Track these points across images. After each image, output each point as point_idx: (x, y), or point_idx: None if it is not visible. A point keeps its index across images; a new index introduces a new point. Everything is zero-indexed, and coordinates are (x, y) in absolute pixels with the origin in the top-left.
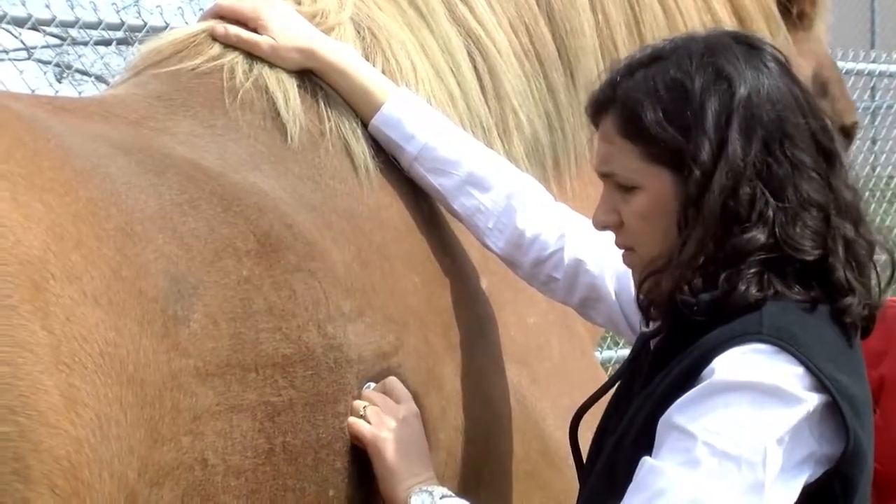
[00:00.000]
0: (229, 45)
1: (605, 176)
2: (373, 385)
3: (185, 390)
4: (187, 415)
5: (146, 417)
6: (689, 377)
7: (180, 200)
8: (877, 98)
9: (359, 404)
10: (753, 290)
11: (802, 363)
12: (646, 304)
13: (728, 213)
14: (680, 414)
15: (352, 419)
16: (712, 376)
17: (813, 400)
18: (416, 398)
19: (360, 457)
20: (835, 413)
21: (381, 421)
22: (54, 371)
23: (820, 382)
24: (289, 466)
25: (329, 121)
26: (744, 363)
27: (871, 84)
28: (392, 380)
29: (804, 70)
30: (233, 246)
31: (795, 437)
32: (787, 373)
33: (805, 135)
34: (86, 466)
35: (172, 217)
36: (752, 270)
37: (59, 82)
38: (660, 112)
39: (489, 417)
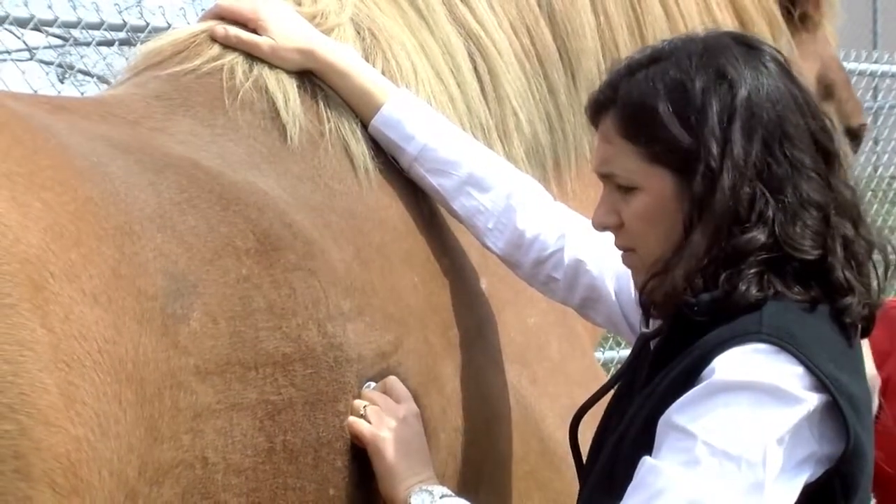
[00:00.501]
0: (229, 45)
1: (604, 177)
2: (373, 384)
3: (184, 388)
4: (187, 413)
5: (146, 415)
6: (690, 377)
7: (179, 199)
8: (879, 98)
9: (359, 403)
10: (754, 290)
11: (802, 363)
12: (647, 305)
13: (729, 213)
14: (680, 414)
15: (352, 418)
16: (712, 376)
17: (813, 400)
18: (416, 398)
19: (361, 456)
20: (835, 413)
21: (380, 420)
22: (53, 369)
23: (820, 382)
24: (289, 465)
25: (329, 122)
26: (744, 363)
27: (874, 84)
28: (392, 379)
29: (808, 72)
30: (232, 245)
31: (796, 436)
32: (787, 372)
33: (804, 135)
34: (85, 464)
35: (171, 216)
36: (752, 270)
37: (62, 83)
38: (661, 113)
39: (489, 417)
